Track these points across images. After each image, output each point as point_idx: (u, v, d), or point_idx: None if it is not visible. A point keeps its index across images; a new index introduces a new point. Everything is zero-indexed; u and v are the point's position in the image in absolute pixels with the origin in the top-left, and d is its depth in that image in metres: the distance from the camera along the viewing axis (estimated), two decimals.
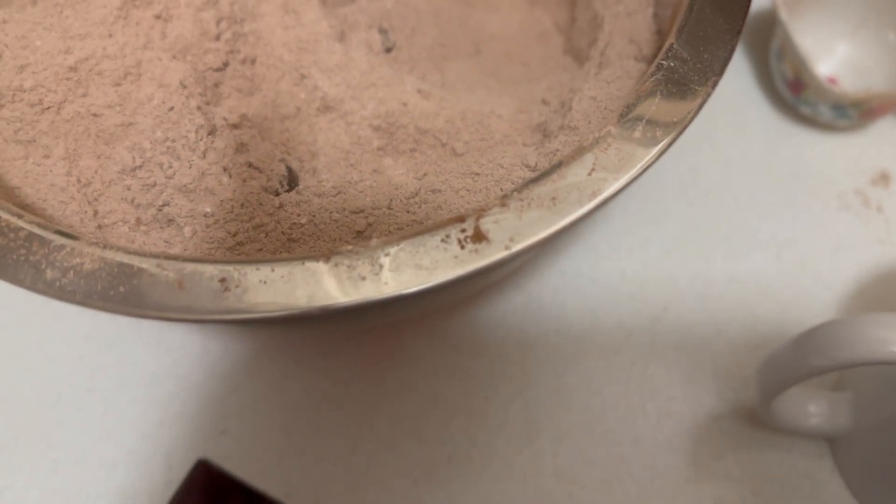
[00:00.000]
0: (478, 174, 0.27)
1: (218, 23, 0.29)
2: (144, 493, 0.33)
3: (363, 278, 0.21)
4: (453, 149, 0.29)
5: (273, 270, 0.21)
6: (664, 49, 0.25)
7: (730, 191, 0.40)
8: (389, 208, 0.26)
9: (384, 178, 0.28)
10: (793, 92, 0.40)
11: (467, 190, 0.27)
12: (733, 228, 0.39)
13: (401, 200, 0.27)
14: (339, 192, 0.27)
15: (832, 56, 0.43)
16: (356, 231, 0.26)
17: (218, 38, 0.29)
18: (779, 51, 0.40)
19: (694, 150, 0.41)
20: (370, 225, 0.26)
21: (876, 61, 0.42)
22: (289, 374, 0.35)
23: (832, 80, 0.42)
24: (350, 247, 0.21)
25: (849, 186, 0.40)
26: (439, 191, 0.27)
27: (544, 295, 0.37)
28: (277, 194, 0.27)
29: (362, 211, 0.26)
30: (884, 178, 0.40)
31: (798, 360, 0.27)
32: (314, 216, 0.26)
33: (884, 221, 0.39)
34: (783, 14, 0.38)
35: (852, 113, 0.39)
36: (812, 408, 0.31)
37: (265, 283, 0.21)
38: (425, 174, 0.28)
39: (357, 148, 0.29)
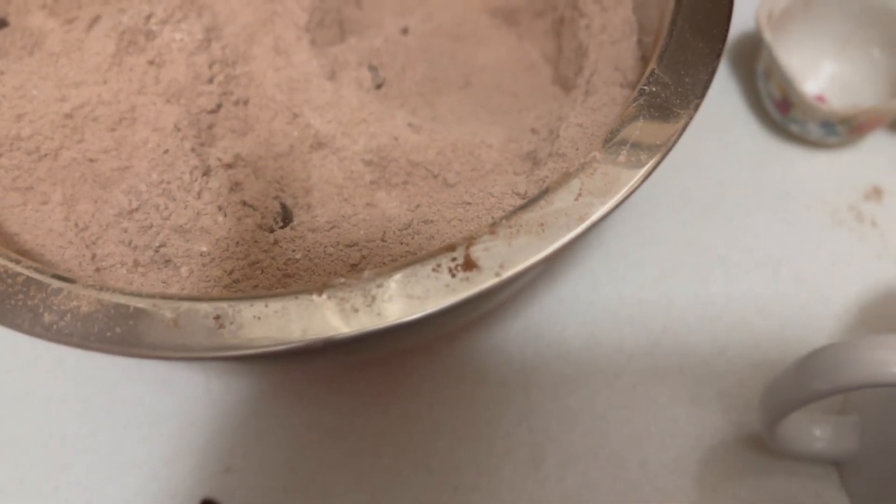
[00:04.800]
0: (469, 203, 0.27)
1: (210, 66, 0.30)
2: None
3: (356, 310, 0.21)
4: (445, 180, 0.30)
5: (267, 306, 0.21)
6: (646, 74, 0.25)
7: (723, 211, 0.40)
8: (383, 240, 0.27)
9: (377, 210, 0.29)
10: (781, 111, 0.40)
11: (459, 219, 0.27)
12: (728, 248, 0.39)
13: (394, 232, 0.27)
14: (333, 227, 0.27)
15: (819, 74, 0.43)
16: (351, 264, 0.26)
17: (211, 80, 0.30)
18: (765, 72, 0.41)
19: (685, 171, 0.41)
20: (364, 258, 0.26)
21: (862, 78, 0.42)
22: (292, 408, 0.35)
23: (820, 98, 0.43)
24: (343, 279, 0.21)
25: (842, 202, 0.40)
26: (432, 221, 0.27)
27: (543, 321, 0.37)
28: (272, 231, 0.28)
29: (356, 244, 0.27)
30: (876, 193, 0.40)
31: (800, 384, 0.27)
32: (309, 251, 0.27)
33: (879, 236, 0.39)
34: (767, 36, 0.39)
35: (841, 129, 0.39)
36: (817, 432, 0.31)
37: (259, 318, 0.21)
38: (418, 206, 0.28)
39: (350, 182, 0.30)
